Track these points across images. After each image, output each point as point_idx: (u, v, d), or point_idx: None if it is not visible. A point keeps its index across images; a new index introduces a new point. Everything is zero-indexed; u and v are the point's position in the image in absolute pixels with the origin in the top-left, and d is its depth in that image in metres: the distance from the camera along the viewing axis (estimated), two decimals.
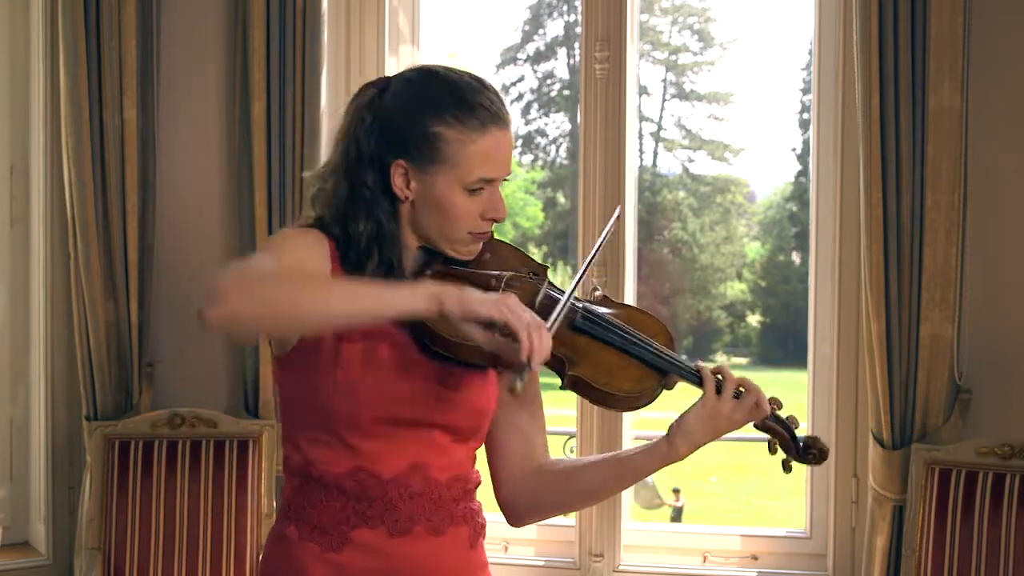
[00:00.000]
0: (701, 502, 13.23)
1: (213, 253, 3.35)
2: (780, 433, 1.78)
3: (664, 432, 1.76)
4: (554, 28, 19.62)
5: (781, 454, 1.80)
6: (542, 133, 19.51)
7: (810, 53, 4.45)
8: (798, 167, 18.54)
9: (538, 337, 1.54)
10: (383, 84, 1.76)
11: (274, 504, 3.12)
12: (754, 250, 19.70)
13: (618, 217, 1.92)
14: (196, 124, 3.36)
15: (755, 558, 3.24)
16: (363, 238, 1.71)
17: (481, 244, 1.76)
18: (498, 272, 1.75)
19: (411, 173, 1.70)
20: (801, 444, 1.79)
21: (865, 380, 2.97)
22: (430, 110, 1.69)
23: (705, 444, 1.75)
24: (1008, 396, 2.97)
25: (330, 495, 1.70)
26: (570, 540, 3.25)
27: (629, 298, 3.26)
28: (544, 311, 1.67)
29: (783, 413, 1.80)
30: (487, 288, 1.70)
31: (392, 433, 1.69)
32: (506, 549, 3.29)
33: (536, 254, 17.04)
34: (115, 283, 3.22)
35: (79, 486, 3.26)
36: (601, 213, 3.21)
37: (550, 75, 19.61)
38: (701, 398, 1.74)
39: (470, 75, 1.75)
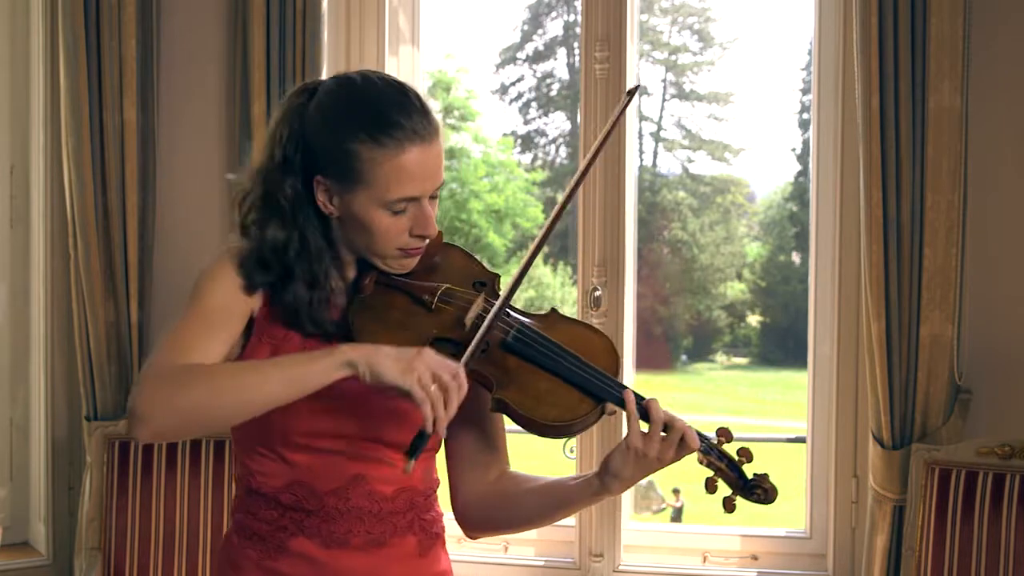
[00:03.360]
0: (701, 502, 13.23)
1: (213, 253, 3.35)
2: (722, 469, 1.68)
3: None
4: (554, 28, 19.60)
5: (724, 490, 1.70)
6: (542, 133, 19.50)
7: (810, 53, 4.45)
8: (798, 167, 18.53)
9: (442, 406, 1.53)
10: (312, 89, 1.71)
11: None
12: (754, 250, 19.70)
13: (629, 94, 1.85)
14: (196, 124, 3.36)
15: (755, 558, 3.24)
16: (277, 250, 1.68)
17: (417, 259, 1.71)
18: (434, 284, 1.71)
19: (332, 190, 1.66)
20: (747, 481, 1.68)
21: (865, 380, 2.97)
22: (345, 127, 1.63)
23: (640, 480, 1.69)
24: (1008, 396, 2.97)
25: (268, 504, 1.71)
26: (570, 540, 3.25)
27: (629, 298, 3.26)
28: (475, 329, 1.64)
29: (734, 446, 1.71)
30: (419, 303, 1.68)
31: (330, 447, 1.68)
32: (506, 549, 3.29)
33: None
34: (115, 283, 3.22)
35: (79, 486, 3.26)
36: (601, 213, 3.21)
37: (549, 75, 19.60)
38: (624, 438, 1.66)
39: (392, 85, 1.67)
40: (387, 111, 1.63)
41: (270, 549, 1.71)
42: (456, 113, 17.16)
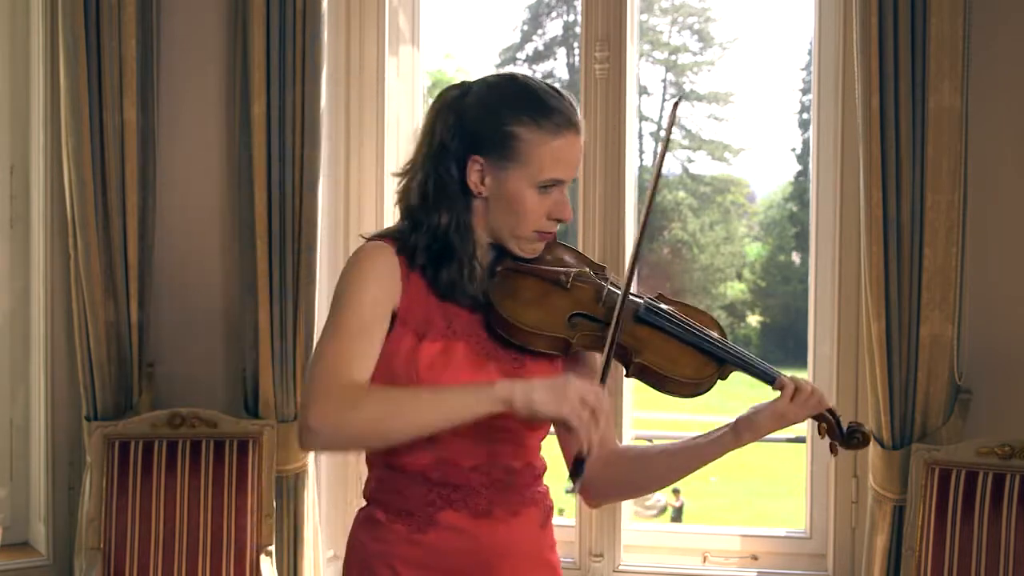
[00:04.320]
0: (701, 502, 13.24)
1: (213, 253, 3.36)
2: (830, 422, 1.90)
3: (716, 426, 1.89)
4: (553, 28, 19.62)
5: (828, 438, 1.92)
6: None
7: (810, 53, 4.45)
8: (798, 167, 18.54)
9: (595, 428, 1.69)
10: (466, 87, 1.87)
11: (273, 504, 3.12)
12: (754, 250, 19.70)
13: (676, 103, 2.04)
14: (196, 124, 3.36)
15: (755, 558, 3.24)
16: (443, 231, 1.82)
17: (544, 244, 1.87)
18: (566, 269, 1.88)
19: (487, 169, 1.81)
20: (846, 430, 1.90)
21: (865, 380, 2.97)
22: (509, 111, 1.80)
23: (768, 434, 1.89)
24: (1008, 396, 2.97)
25: (415, 482, 1.83)
26: (570, 540, 3.25)
27: None
28: (609, 307, 1.83)
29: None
30: (556, 283, 1.85)
31: (470, 425, 1.76)
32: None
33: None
34: (115, 283, 3.22)
35: (79, 486, 3.26)
36: (601, 213, 3.21)
37: (549, 75, 19.60)
38: (774, 403, 1.85)
39: (548, 84, 1.86)
40: (549, 100, 1.81)
41: (420, 523, 1.83)
42: None
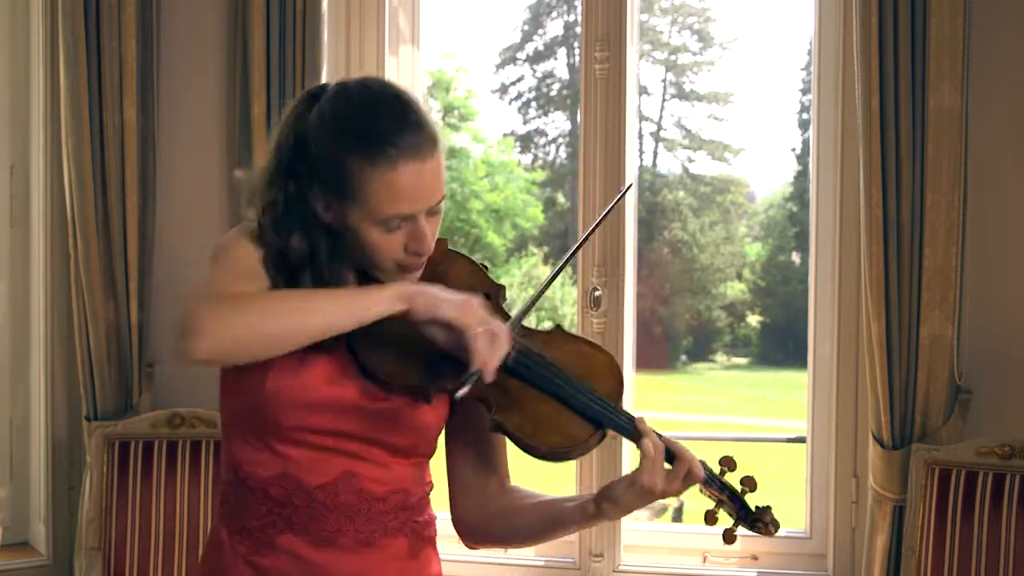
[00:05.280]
0: (701, 502, 13.22)
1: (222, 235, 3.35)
2: (724, 501, 1.67)
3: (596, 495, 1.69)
4: (554, 28, 19.60)
5: (726, 520, 1.68)
6: (541, 133, 19.50)
7: (810, 53, 4.45)
8: (798, 167, 18.53)
9: (492, 347, 1.54)
10: (316, 95, 1.67)
11: None
12: (754, 250, 19.70)
13: (626, 190, 1.96)
14: (196, 124, 3.36)
15: (755, 558, 3.24)
16: (296, 255, 1.65)
17: (417, 274, 1.68)
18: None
19: (328, 201, 1.63)
20: (749, 512, 1.66)
21: (865, 380, 2.97)
22: (339, 141, 1.60)
23: (637, 510, 1.69)
24: (1008, 396, 2.97)
25: (257, 498, 1.68)
26: (570, 540, 3.25)
27: (629, 298, 3.26)
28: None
29: (738, 475, 1.70)
30: None
31: (320, 443, 1.66)
32: (506, 549, 3.29)
33: (536, 254, 17.00)
34: (115, 283, 3.22)
35: (79, 486, 3.26)
36: (601, 213, 3.21)
37: (549, 75, 19.59)
38: (633, 474, 1.63)
39: (390, 97, 1.63)
40: (380, 126, 1.59)
41: (259, 545, 1.68)
42: (456, 113, 17.16)
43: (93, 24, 3.16)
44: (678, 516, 12.26)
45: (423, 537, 1.75)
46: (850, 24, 2.98)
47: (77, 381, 3.27)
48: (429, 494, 1.79)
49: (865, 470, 3.03)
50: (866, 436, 3.00)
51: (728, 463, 1.69)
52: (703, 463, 1.67)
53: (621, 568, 3.22)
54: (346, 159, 1.59)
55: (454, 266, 1.74)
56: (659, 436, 1.65)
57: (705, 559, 3.26)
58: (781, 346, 17.95)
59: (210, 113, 3.35)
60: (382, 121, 1.60)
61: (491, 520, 1.79)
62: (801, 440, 3.39)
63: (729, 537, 1.69)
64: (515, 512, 1.77)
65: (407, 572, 1.73)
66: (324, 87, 1.70)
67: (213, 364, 1.58)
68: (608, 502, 1.66)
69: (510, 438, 1.64)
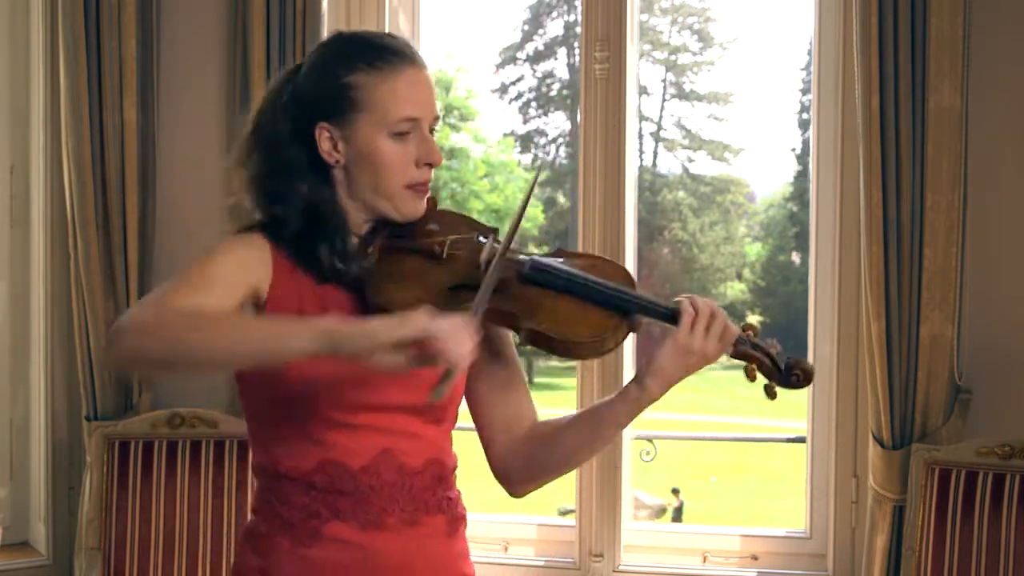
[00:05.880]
0: (701, 502, 13.24)
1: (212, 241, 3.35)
2: (758, 358, 1.71)
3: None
4: (554, 28, 19.61)
5: (762, 380, 1.72)
6: (541, 133, 19.51)
7: (810, 53, 4.45)
8: (798, 167, 18.54)
9: (455, 341, 1.47)
10: (297, 66, 1.77)
11: None
12: (754, 250, 19.70)
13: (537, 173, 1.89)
14: (196, 124, 3.36)
15: (755, 558, 3.24)
16: (294, 218, 1.69)
17: (425, 200, 1.72)
18: (441, 238, 1.71)
19: (334, 133, 1.69)
20: (783, 366, 1.71)
21: (865, 380, 2.97)
22: (340, 64, 1.69)
23: (678, 382, 1.71)
24: (1008, 396, 2.97)
25: (299, 490, 1.68)
26: (570, 540, 3.26)
27: None
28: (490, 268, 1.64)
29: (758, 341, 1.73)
30: (430, 255, 1.69)
31: (355, 421, 1.67)
32: (506, 549, 3.29)
33: (535, 254, 16.98)
34: (115, 283, 3.22)
35: (79, 486, 3.26)
36: (601, 213, 3.21)
37: (549, 75, 19.60)
38: (671, 335, 1.68)
39: (377, 31, 1.78)
40: (378, 42, 1.71)
41: (302, 536, 1.68)
42: (456, 113, 17.17)
43: (93, 24, 3.16)
44: (678, 516, 12.27)
45: (456, 515, 1.77)
46: (850, 24, 2.98)
47: (77, 381, 3.27)
48: (454, 471, 1.80)
49: (865, 470, 3.03)
50: (866, 436, 3.00)
51: (751, 328, 1.74)
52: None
53: (621, 568, 3.22)
54: (351, 76, 1.68)
55: (445, 218, 1.77)
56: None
57: (705, 559, 3.26)
58: (781, 346, 17.95)
59: (210, 113, 3.35)
60: (379, 38, 1.73)
61: (536, 454, 1.80)
62: (801, 440, 3.39)
63: (770, 392, 1.72)
64: (556, 435, 1.79)
65: (445, 549, 1.75)
66: (298, 63, 1.78)
67: (128, 369, 1.57)
68: (651, 375, 1.69)
69: (544, 344, 1.66)
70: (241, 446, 3.12)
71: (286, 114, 1.71)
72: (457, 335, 1.48)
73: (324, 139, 1.69)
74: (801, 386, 1.73)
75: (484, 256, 1.69)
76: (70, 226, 3.21)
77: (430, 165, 1.70)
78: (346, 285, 1.69)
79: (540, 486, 1.86)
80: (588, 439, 1.77)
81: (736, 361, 1.73)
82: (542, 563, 3.28)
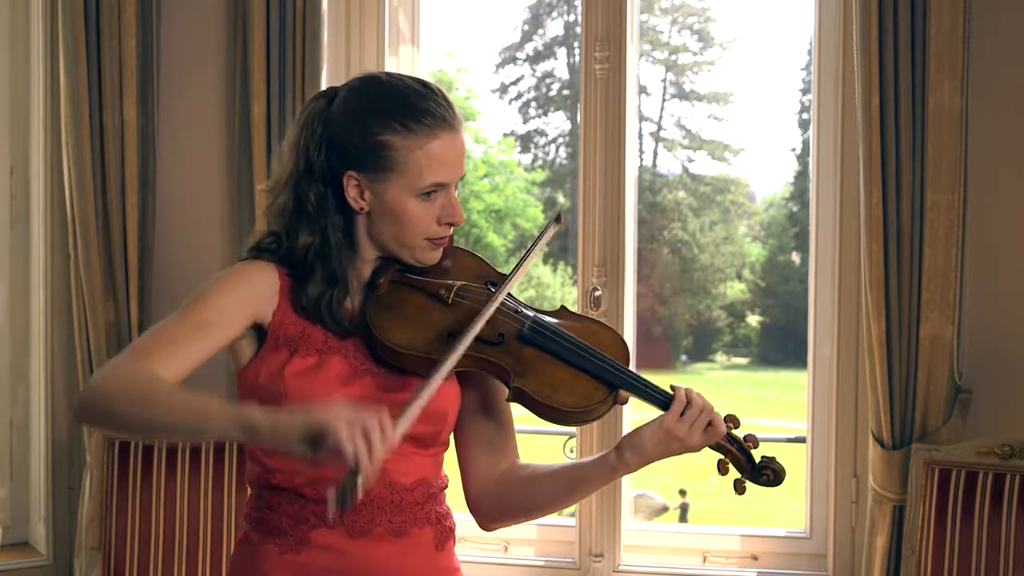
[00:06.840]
0: (701, 502, 13.23)
1: (213, 253, 3.36)
2: (733, 453, 1.76)
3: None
4: (554, 28, 19.60)
5: (733, 473, 1.77)
6: (541, 133, 19.50)
7: (810, 53, 4.45)
8: (798, 167, 18.53)
9: (358, 442, 1.43)
10: (332, 94, 1.77)
11: None
12: (754, 250, 19.70)
13: (556, 221, 1.90)
14: (196, 124, 3.36)
15: (755, 558, 3.24)
16: (306, 252, 1.73)
17: (442, 249, 1.77)
18: (449, 282, 1.75)
19: (363, 183, 1.71)
20: (757, 464, 1.76)
21: (865, 380, 2.97)
22: (376, 118, 1.70)
23: (656, 461, 1.75)
24: (1008, 396, 2.97)
25: (290, 498, 1.73)
26: (570, 540, 3.25)
27: (629, 298, 3.26)
28: (493, 325, 1.70)
29: (740, 432, 1.79)
30: (436, 298, 1.73)
31: None
32: (506, 549, 3.29)
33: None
34: (115, 283, 3.22)
35: (79, 486, 3.26)
36: (601, 213, 3.21)
37: (549, 75, 19.59)
38: (660, 418, 1.72)
39: (415, 80, 1.76)
40: (416, 101, 1.70)
41: (292, 542, 1.72)
42: None
43: (93, 24, 3.16)
44: (684, 515, 12.27)
45: (446, 528, 1.81)
46: (850, 24, 2.98)
47: (77, 381, 3.27)
48: (445, 489, 1.84)
49: (865, 470, 3.03)
50: (866, 436, 3.00)
51: (732, 420, 1.77)
52: None
53: (621, 568, 3.22)
54: (386, 135, 1.68)
55: (460, 259, 1.82)
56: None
57: (705, 559, 3.26)
58: (781, 346, 17.95)
59: (210, 113, 3.35)
60: (417, 97, 1.71)
61: (510, 494, 1.83)
62: (801, 440, 3.39)
63: (739, 487, 1.77)
64: (533, 481, 1.82)
65: (433, 561, 1.78)
66: (335, 88, 1.78)
67: (91, 427, 1.59)
68: (631, 449, 1.73)
69: (529, 404, 1.70)
70: (241, 447, 3.12)
71: (318, 150, 1.73)
72: (364, 435, 1.44)
73: (352, 186, 1.72)
74: (771, 485, 1.77)
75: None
76: (70, 226, 3.21)
77: (451, 224, 1.74)
78: (346, 320, 1.73)
79: (510, 525, 1.90)
80: (562, 495, 1.81)
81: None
82: (542, 563, 3.28)
